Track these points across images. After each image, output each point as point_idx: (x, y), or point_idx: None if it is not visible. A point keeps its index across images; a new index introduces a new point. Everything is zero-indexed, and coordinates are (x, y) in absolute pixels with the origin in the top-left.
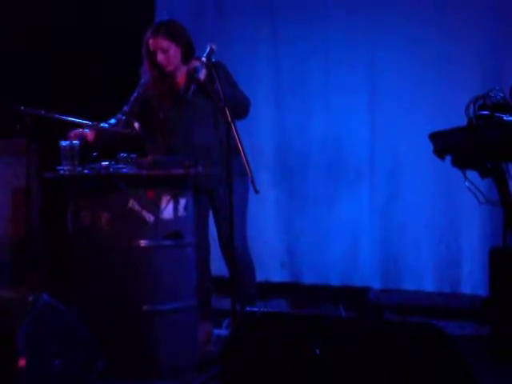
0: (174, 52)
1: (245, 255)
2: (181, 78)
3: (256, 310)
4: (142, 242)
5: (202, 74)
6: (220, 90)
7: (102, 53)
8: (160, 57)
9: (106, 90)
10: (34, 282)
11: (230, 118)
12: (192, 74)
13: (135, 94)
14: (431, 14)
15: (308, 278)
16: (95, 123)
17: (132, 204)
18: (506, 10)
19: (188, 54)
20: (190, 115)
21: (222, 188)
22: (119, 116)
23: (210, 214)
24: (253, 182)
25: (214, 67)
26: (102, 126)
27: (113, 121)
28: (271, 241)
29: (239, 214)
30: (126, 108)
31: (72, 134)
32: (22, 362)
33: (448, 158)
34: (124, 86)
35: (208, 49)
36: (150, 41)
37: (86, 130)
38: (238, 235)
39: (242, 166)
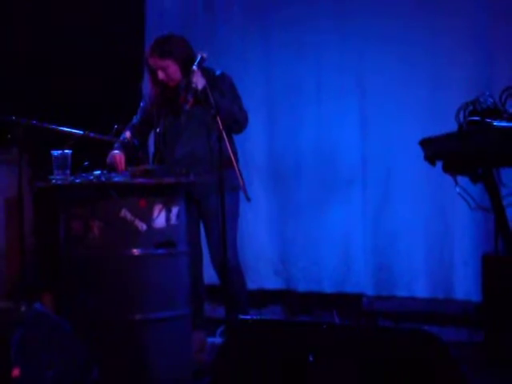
0: (173, 69)
1: (236, 270)
2: (181, 90)
3: (249, 317)
4: (135, 251)
5: (195, 84)
6: (211, 97)
7: (91, 59)
8: (161, 75)
9: (96, 98)
10: (27, 291)
11: (221, 126)
12: (187, 85)
13: (142, 104)
14: (421, 19)
15: (301, 285)
16: (87, 132)
17: (124, 213)
18: (498, 14)
19: (189, 66)
20: (185, 126)
21: (211, 201)
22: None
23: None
24: (244, 190)
25: (207, 75)
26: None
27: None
28: (264, 248)
29: (230, 228)
30: (134, 119)
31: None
32: (16, 372)
33: (439, 164)
34: (115, 93)
35: (199, 57)
36: (149, 60)
37: (116, 152)
38: (229, 250)
39: (233, 179)
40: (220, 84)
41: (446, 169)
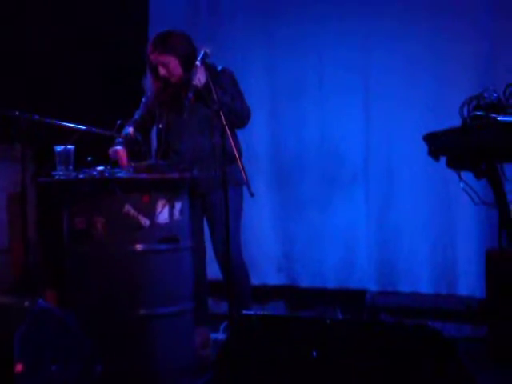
0: (174, 64)
1: (239, 264)
2: (183, 86)
3: (253, 313)
4: (138, 247)
5: (197, 80)
6: (214, 93)
7: (96, 57)
8: (162, 71)
9: (100, 93)
10: (31, 287)
11: (224, 121)
12: (188, 81)
13: (144, 100)
14: (425, 15)
15: (304, 281)
16: (89, 128)
17: (127, 208)
18: (501, 10)
19: (190, 62)
20: (187, 122)
21: (215, 196)
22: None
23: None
24: (248, 185)
25: (209, 70)
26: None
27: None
28: (268, 245)
29: (233, 224)
30: (136, 114)
31: (113, 154)
32: (19, 368)
33: (443, 160)
34: (118, 88)
35: (202, 52)
36: (151, 56)
37: (119, 147)
38: (233, 245)
39: (236, 174)
40: (221, 80)
41: (449, 164)
